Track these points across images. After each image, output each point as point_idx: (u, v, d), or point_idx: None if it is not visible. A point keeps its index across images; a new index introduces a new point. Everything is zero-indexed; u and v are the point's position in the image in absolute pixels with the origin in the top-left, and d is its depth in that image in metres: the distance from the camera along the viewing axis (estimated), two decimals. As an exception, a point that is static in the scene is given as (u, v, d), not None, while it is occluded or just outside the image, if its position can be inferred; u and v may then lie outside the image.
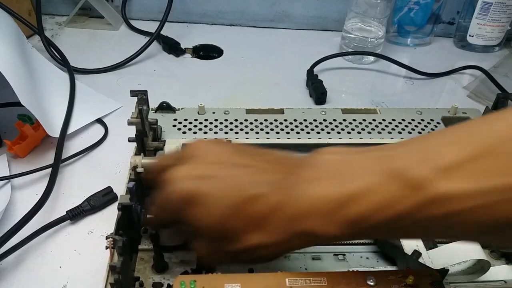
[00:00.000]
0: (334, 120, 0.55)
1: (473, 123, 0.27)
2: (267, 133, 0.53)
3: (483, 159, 0.24)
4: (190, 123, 0.54)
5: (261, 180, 0.31)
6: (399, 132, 0.54)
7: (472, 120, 0.28)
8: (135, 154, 0.45)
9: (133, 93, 0.45)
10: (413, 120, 0.56)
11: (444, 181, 0.25)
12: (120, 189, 0.48)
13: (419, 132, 0.54)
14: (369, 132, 0.54)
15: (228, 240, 0.31)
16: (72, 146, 0.55)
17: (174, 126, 0.53)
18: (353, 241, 0.43)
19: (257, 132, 0.53)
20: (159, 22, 0.74)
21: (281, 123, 0.54)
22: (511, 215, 0.24)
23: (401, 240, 0.41)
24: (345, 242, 0.43)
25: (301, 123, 0.54)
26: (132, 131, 0.45)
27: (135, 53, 0.72)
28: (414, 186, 0.25)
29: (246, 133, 0.53)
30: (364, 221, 0.27)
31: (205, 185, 0.31)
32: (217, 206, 0.31)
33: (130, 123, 0.44)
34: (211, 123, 0.54)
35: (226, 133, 0.52)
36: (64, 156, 0.52)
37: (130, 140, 0.46)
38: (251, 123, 0.54)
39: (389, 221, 0.27)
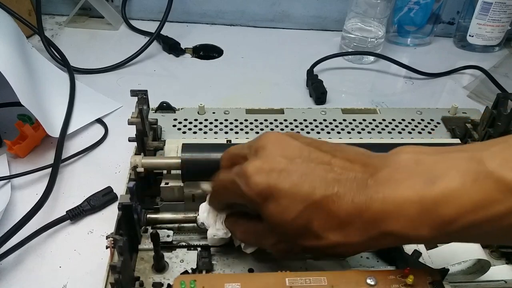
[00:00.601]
0: (334, 120, 0.55)
1: None
2: (267, 133, 0.53)
3: None
4: (190, 123, 0.54)
5: (340, 178, 0.30)
6: (399, 132, 0.54)
7: None
8: (135, 154, 0.45)
9: (133, 93, 0.45)
10: (413, 120, 0.56)
11: None
12: (120, 189, 0.48)
13: (419, 132, 0.54)
14: (369, 132, 0.54)
15: (305, 237, 0.31)
16: (72, 146, 0.55)
17: (174, 126, 0.53)
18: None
19: (257, 132, 0.53)
20: (159, 22, 0.74)
21: (281, 123, 0.54)
22: None
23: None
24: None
25: (301, 123, 0.54)
26: (132, 131, 0.45)
27: (135, 53, 0.72)
28: (509, 189, 0.25)
29: (246, 133, 0.53)
30: (457, 222, 0.27)
31: (281, 180, 0.30)
32: (295, 203, 0.30)
33: (130, 123, 0.44)
34: (211, 123, 0.54)
35: (226, 133, 0.52)
36: (64, 156, 0.52)
37: (130, 140, 0.46)
38: (251, 123, 0.54)
39: (482, 223, 0.26)
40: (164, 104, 0.55)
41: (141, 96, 0.45)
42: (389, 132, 0.54)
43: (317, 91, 0.66)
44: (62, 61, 0.67)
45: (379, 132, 0.54)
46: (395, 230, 0.28)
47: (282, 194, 0.30)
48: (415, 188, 0.28)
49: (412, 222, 0.28)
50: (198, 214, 0.39)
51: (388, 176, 0.29)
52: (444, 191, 0.27)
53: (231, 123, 0.54)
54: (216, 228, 0.38)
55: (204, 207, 0.39)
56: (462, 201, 0.26)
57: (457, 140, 0.51)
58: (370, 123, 0.55)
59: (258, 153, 0.32)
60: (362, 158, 0.32)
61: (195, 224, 0.40)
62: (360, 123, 0.55)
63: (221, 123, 0.54)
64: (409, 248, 0.40)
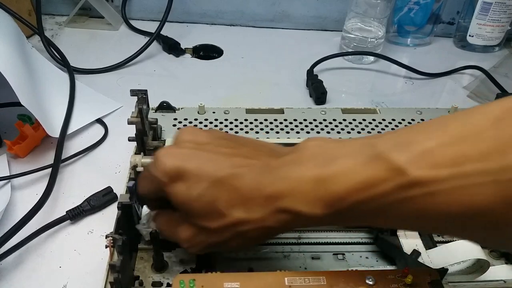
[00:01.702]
0: (334, 120, 0.55)
1: (455, 114, 0.28)
2: (267, 132, 0.53)
3: (458, 146, 0.26)
4: (190, 122, 0.54)
5: (246, 161, 0.32)
6: (399, 132, 0.54)
7: (456, 113, 0.29)
8: (135, 154, 0.45)
9: (133, 92, 0.45)
10: (413, 120, 0.56)
11: (422, 167, 0.26)
12: (120, 189, 0.48)
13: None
14: (369, 132, 0.54)
15: (211, 216, 0.32)
16: (72, 146, 0.55)
17: (174, 125, 0.53)
18: (353, 241, 0.43)
19: (257, 132, 0.53)
20: (159, 22, 0.74)
21: (281, 123, 0.54)
22: (480, 200, 0.25)
23: (400, 240, 0.41)
24: (344, 242, 0.43)
25: (301, 123, 0.54)
26: (132, 131, 0.45)
27: (135, 53, 0.72)
28: (395, 169, 0.26)
29: (246, 132, 0.53)
30: (346, 200, 0.28)
31: (188, 162, 0.32)
32: (200, 181, 0.32)
33: (130, 123, 0.44)
34: (211, 122, 0.54)
35: (226, 132, 0.53)
36: (64, 156, 0.52)
37: (130, 139, 0.46)
38: (251, 123, 0.54)
39: (369, 201, 0.28)
40: (164, 104, 0.55)
41: (141, 95, 0.45)
42: (389, 132, 0.54)
43: (317, 91, 0.66)
44: (62, 61, 0.67)
45: (379, 132, 0.54)
46: (290, 206, 0.30)
47: (188, 173, 0.32)
48: (312, 168, 0.30)
49: (306, 199, 0.29)
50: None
51: (291, 159, 0.31)
52: (337, 170, 0.29)
53: (231, 122, 0.54)
54: (142, 223, 0.39)
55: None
56: (352, 179, 0.28)
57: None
58: (370, 123, 0.55)
59: (173, 143, 0.35)
60: (270, 147, 0.35)
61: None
62: (360, 123, 0.55)
63: (221, 122, 0.54)
64: (408, 248, 0.40)
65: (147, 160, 0.42)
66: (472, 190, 0.25)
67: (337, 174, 0.29)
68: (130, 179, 0.42)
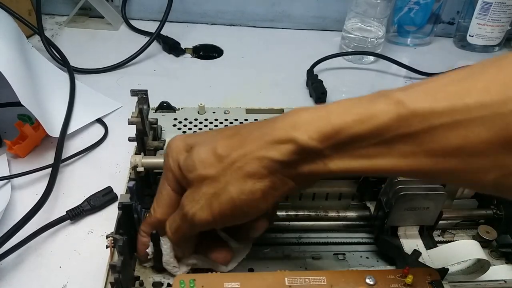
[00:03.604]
0: (334, 120, 0.55)
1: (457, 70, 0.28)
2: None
3: (460, 83, 0.26)
4: (190, 122, 0.54)
5: (241, 126, 0.35)
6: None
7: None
8: (135, 154, 0.45)
9: (133, 92, 0.45)
10: (413, 120, 0.56)
11: (422, 100, 0.26)
12: (120, 189, 0.48)
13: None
14: (369, 132, 0.53)
15: (210, 163, 0.32)
16: (72, 146, 0.55)
17: (174, 125, 0.53)
18: (353, 241, 0.43)
19: (257, 132, 0.53)
20: (159, 22, 0.74)
21: (281, 123, 0.54)
22: (480, 135, 0.25)
23: (401, 240, 0.41)
24: (345, 242, 0.43)
25: (301, 123, 0.54)
26: (132, 131, 0.45)
27: (135, 53, 0.72)
28: (394, 102, 0.27)
29: (246, 133, 0.53)
30: (344, 131, 0.28)
31: (195, 137, 0.35)
32: (203, 142, 0.33)
33: (130, 123, 0.44)
34: (211, 122, 0.54)
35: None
36: (64, 156, 0.52)
37: (130, 139, 0.46)
38: (251, 123, 0.54)
39: (369, 135, 0.27)
40: (164, 104, 0.55)
41: (141, 95, 0.45)
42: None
43: (317, 91, 0.66)
44: (62, 61, 0.67)
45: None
46: (288, 135, 0.30)
47: (194, 142, 0.34)
48: (309, 110, 0.30)
49: (304, 129, 0.29)
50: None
51: (287, 113, 0.32)
52: (335, 106, 0.29)
53: (231, 122, 0.54)
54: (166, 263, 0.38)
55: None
56: (351, 112, 0.28)
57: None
58: (370, 123, 0.55)
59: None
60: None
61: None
62: (360, 123, 0.55)
63: (221, 122, 0.54)
64: (409, 248, 0.40)
65: (147, 160, 0.42)
66: (473, 124, 0.25)
67: (335, 109, 0.29)
68: (130, 179, 0.42)
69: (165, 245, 0.37)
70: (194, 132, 0.52)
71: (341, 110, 0.29)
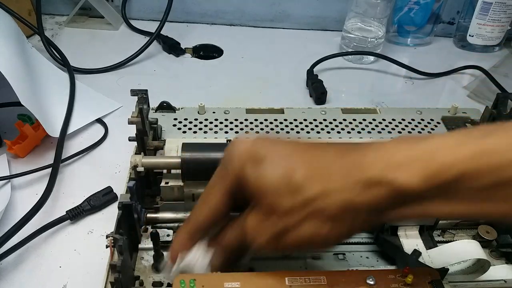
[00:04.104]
0: (334, 119, 0.55)
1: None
2: (267, 132, 0.53)
3: None
4: (190, 122, 0.54)
5: (321, 147, 0.30)
6: (399, 132, 0.54)
7: None
8: (135, 154, 0.45)
9: (133, 92, 0.45)
10: (413, 120, 0.56)
11: None
12: (120, 189, 0.48)
13: (419, 132, 0.54)
14: (369, 132, 0.53)
15: (284, 193, 0.28)
16: (72, 146, 0.55)
17: (174, 125, 0.53)
18: (353, 241, 0.43)
19: (257, 132, 0.53)
20: (159, 22, 0.74)
21: (281, 123, 0.54)
22: None
23: (401, 240, 0.41)
24: (345, 242, 0.43)
25: (301, 123, 0.54)
26: (132, 131, 0.45)
27: (135, 53, 0.72)
28: None
29: (246, 132, 0.53)
30: (450, 170, 0.24)
31: (261, 145, 0.30)
32: (274, 158, 0.29)
33: (130, 122, 0.44)
34: (211, 122, 0.54)
35: (226, 132, 0.52)
36: (64, 156, 0.52)
37: (130, 139, 0.46)
38: (251, 123, 0.54)
39: (482, 174, 0.24)
40: (164, 104, 0.55)
41: (141, 95, 0.45)
42: (389, 132, 0.54)
43: (317, 91, 0.66)
44: (62, 61, 0.67)
45: (379, 132, 0.54)
46: (381, 175, 0.25)
47: (261, 154, 0.29)
48: (412, 143, 0.26)
49: (402, 167, 0.25)
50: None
51: (378, 145, 0.28)
52: (444, 141, 0.26)
53: (231, 122, 0.54)
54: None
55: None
56: (463, 148, 0.25)
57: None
58: (370, 123, 0.55)
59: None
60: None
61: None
62: (360, 123, 0.55)
63: (221, 122, 0.54)
64: (409, 248, 0.40)
65: (147, 160, 0.42)
66: None
67: (442, 144, 0.25)
68: (130, 179, 0.42)
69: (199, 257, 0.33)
70: (194, 132, 0.52)
71: (447, 146, 0.25)
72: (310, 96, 0.67)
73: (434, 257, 0.39)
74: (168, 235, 0.41)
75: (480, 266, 0.39)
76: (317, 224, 0.28)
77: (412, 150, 0.26)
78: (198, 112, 0.55)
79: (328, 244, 0.30)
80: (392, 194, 0.25)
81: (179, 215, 0.42)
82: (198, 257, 0.33)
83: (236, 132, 0.52)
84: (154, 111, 0.55)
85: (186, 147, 0.42)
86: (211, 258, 0.33)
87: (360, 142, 0.31)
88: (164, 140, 0.48)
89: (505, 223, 0.37)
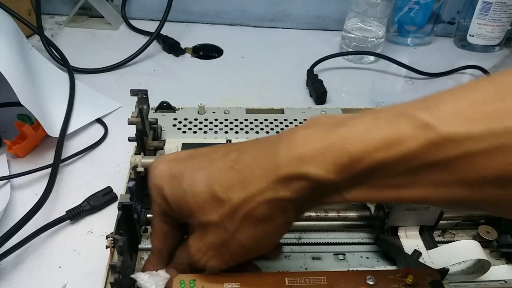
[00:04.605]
0: (334, 119, 0.55)
1: (483, 79, 0.26)
2: (267, 132, 0.53)
3: (494, 102, 0.23)
4: (190, 122, 0.54)
5: (236, 147, 0.30)
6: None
7: (481, 77, 0.27)
8: (135, 154, 0.45)
9: (133, 92, 0.45)
10: (413, 119, 0.56)
11: (454, 123, 0.23)
12: (120, 189, 0.48)
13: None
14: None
15: (209, 208, 0.29)
16: (72, 146, 0.55)
17: (174, 125, 0.53)
18: (353, 241, 0.43)
19: (257, 132, 0.53)
20: (159, 21, 0.74)
21: (281, 123, 0.54)
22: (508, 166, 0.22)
23: (401, 240, 0.41)
24: (345, 242, 0.43)
25: (301, 123, 0.54)
26: (131, 131, 0.45)
27: (135, 53, 0.72)
28: (422, 126, 0.23)
29: (246, 132, 0.53)
30: (363, 160, 0.24)
31: (181, 164, 0.31)
32: (191, 173, 0.30)
33: (130, 123, 0.44)
34: (211, 122, 0.54)
35: (226, 132, 0.52)
36: (64, 156, 0.52)
37: (130, 139, 0.46)
38: (251, 123, 0.54)
39: (394, 164, 0.24)
40: (164, 104, 0.55)
41: (141, 95, 0.45)
42: (389, 132, 0.54)
43: (317, 91, 0.66)
44: (61, 61, 0.67)
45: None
46: (298, 170, 0.26)
47: (178, 172, 0.30)
48: (320, 131, 0.26)
49: (316, 161, 0.25)
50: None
51: (294, 129, 0.28)
52: (352, 129, 0.25)
53: (231, 122, 0.54)
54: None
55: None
56: (371, 137, 0.24)
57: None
58: (370, 123, 0.55)
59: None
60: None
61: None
62: (360, 123, 0.55)
63: (221, 122, 0.54)
64: (409, 248, 0.40)
65: (147, 160, 0.42)
66: (503, 152, 0.22)
67: (349, 134, 0.25)
68: (130, 179, 0.42)
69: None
70: (194, 132, 0.52)
71: (357, 135, 0.25)
72: (310, 96, 0.67)
73: (434, 257, 0.39)
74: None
75: (480, 267, 0.39)
76: (251, 229, 0.28)
77: (323, 140, 0.26)
78: (198, 112, 0.55)
79: (271, 242, 0.30)
80: (310, 186, 0.26)
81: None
82: (155, 283, 0.33)
83: (236, 132, 0.53)
84: (154, 111, 0.55)
85: (186, 147, 0.42)
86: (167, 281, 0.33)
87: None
88: (164, 140, 0.48)
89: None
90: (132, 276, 0.33)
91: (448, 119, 0.23)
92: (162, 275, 0.34)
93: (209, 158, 0.30)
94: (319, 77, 0.69)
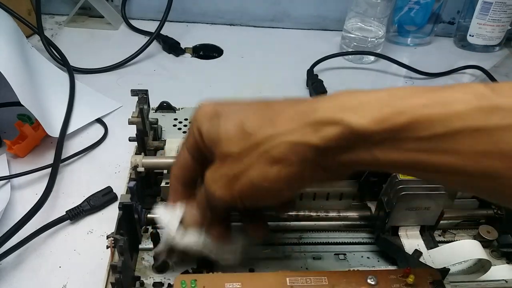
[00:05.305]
0: (335, 119, 0.55)
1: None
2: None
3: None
4: (190, 122, 0.53)
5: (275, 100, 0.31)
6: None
7: None
8: (136, 154, 0.45)
9: (134, 92, 0.45)
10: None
11: (509, 94, 0.24)
12: (120, 189, 0.48)
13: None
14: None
15: (235, 140, 0.29)
16: (72, 146, 0.55)
17: (175, 125, 0.53)
18: (354, 241, 0.43)
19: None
20: (159, 21, 0.74)
21: (281, 123, 0.54)
22: None
23: (402, 240, 0.41)
24: (346, 242, 0.43)
25: (301, 123, 0.54)
26: (131, 131, 0.45)
27: (135, 53, 0.72)
28: (477, 93, 0.24)
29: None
30: (404, 114, 0.24)
31: (224, 105, 0.32)
32: (230, 112, 0.31)
33: (130, 123, 0.44)
34: (211, 122, 0.54)
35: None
36: (64, 156, 0.52)
37: (130, 139, 0.46)
38: (251, 123, 0.54)
39: (436, 118, 0.24)
40: (165, 104, 0.55)
41: (142, 95, 0.45)
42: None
43: (317, 91, 0.66)
44: (61, 61, 0.67)
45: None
46: (332, 116, 0.26)
47: (225, 111, 0.31)
48: (369, 91, 0.26)
49: (354, 108, 0.25)
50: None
51: (332, 95, 0.28)
52: (402, 89, 0.26)
53: (231, 122, 0.54)
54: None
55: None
56: (421, 96, 0.25)
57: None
58: (371, 122, 0.55)
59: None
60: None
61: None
62: (361, 122, 0.55)
63: (221, 122, 0.54)
64: (410, 248, 0.40)
65: (147, 160, 0.42)
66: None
67: (400, 91, 0.25)
68: (130, 179, 0.42)
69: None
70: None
71: (405, 93, 0.25)
72: (310, 96, 0.67)
73: (435, 257, 0.39)
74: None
75: (481, 266, 0.39)
76: (265, 167, 0.28)
77: (366, 96, 0.26)
78: (198, 112, 0.55)
79: (281, 190, 0.30)
80: (343, 135, 0.26)
81: (180, 215, 0.42)
82: (170, 215, 0.35)
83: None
84: (154, 111, 0.55)
85: (186, 147, 0.42)
86: (183, 215, 0.35)
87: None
88: (165, 140, 0.48)
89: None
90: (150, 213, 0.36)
91: (506, 91, 0.23)
92: (178, 207, 0.35)
93: (248, 103, 0.32)
94: (319, 77, 0.69)
